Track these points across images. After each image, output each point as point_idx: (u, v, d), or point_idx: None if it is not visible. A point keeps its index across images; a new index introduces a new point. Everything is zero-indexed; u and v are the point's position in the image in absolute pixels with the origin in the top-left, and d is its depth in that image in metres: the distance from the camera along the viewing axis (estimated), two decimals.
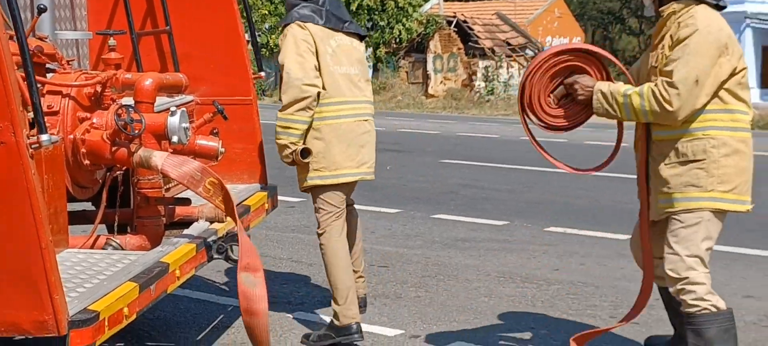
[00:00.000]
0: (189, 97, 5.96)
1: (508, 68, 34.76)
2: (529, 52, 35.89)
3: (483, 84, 34.11)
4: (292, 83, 5.40)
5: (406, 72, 37.11)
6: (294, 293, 6.76)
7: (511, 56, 35.30)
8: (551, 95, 4.85)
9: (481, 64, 34.82)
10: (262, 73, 6.26)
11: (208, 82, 6.01)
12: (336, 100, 5.55)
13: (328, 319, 6.05)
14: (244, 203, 5.59)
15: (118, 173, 4.92)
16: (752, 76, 35.37)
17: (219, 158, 5.05)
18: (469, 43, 35.31)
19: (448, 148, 17.05)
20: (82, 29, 6.10)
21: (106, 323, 3.77)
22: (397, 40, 36.82)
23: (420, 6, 38.62)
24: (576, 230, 9.09)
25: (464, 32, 35.46)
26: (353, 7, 38.30)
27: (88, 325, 3.62)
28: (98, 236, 4.86)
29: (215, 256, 4.86)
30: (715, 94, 4.55)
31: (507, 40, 36.22)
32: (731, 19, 33.08)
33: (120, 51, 5.27)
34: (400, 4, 36.83)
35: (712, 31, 4.50)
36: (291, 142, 5.45)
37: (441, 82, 35.62)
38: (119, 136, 4.49)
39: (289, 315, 6.19)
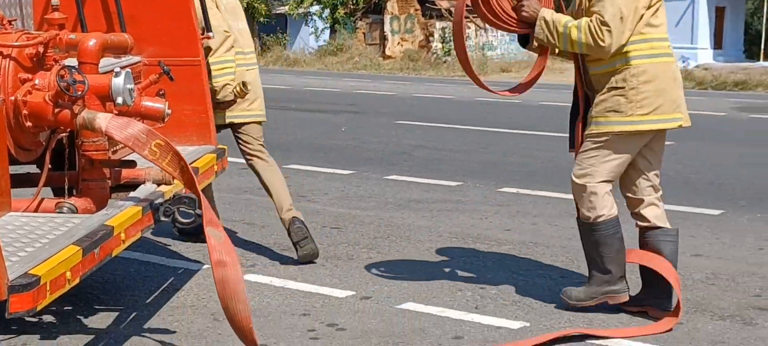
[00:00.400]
0: (136, 58, 5.85)
1: (464, 29, 34.52)
2: None
3: (440, 45, 34.08)
4: (213, 30, 6.09)
5: (364, 33, 37.03)
6: (245, 255, 6.67)
7: (467, 17, 34.94)
8: None
9: (438, 25, 34.76)
10: (210, 34, 6.14)
11: (155, 43, 5.88)
12: (238, 50, 6.33)
13: (279, 281, 6.02)
14: (192, 164, 5.49)
15: (62, 135, 4.83)
16: (706, 37, 35.67)
17: (166, 120, 4.94)
18: (426, 5, 35.22)
19: (404, 109, 16.97)
20: None
21: (48, 288, 3.69)
22: (355, 1, 36.57)
23: None
24: (529, 191, 9.08)
25: None
26: None
27: (29, 289, 3.55)
28: (43, 199, 4.76)
29: (162, 219, 4.76)
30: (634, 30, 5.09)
31: None
32: None
33: (64, 11, 5.16)
34: None
35: None
36: (230, 80, 6.17)
37: (398, 43, 35.56)
38: (62, 97, 4.39)
39: None
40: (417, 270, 6.34)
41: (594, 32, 4.97)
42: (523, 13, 5.20)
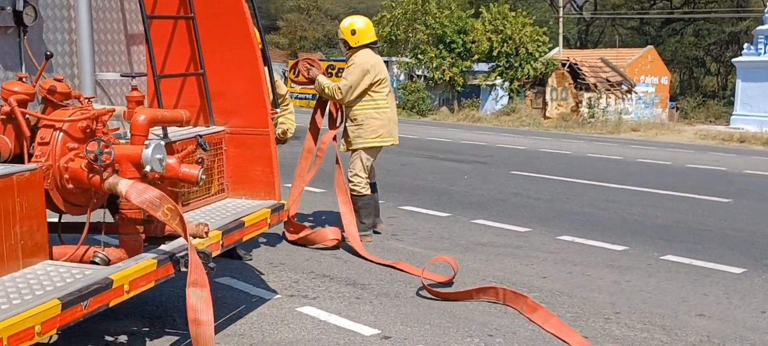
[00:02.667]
0: (220, 128, 5.14)
1: (606, 99, 33.56)
2: (624, 87, 34.62)
3: (586, 110, 32.91)
4: None
5: (530, 100, 36.11)
6: (313, 288, 5.80)
7: (609, 90, 34.11)
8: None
9: (586, 95, 33.71)
10: (277, 110, 5.36)
11: (237, 116, 5.18)
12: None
13: (325, 314, 5.10)
14: (240, 219, 4.68)
15: (110, 194, 4.11)
16: None
17: (200, 183, 4.17)
18: (578, 80, 34.24)
19: (524, 161, 15.10)
20: (139, 70, 5.33)
21: (5, 343, 2.95)
22: (526, 76, 35.84)
23: (545, 53, 37.07)
24: (583, 239, 7.67)
25: (574, 72, 34.35)
26: (495, 53, 37.01)
27: None
28: (88, 247, 4.07)
29: (183, 269, 3.97)
30: (365, 93, 7.06)
31: (607, 78, 34.77)
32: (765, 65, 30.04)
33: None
34: (529, 51, 35.78)
35: (362, 63, 7.02)
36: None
37: (556, 107, 34.64)
38: (95, 165, 3.72)
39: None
40: (445, 313, 5.27)
41: (336, 91, 6.98)
42: (310, 76, 7.10)
